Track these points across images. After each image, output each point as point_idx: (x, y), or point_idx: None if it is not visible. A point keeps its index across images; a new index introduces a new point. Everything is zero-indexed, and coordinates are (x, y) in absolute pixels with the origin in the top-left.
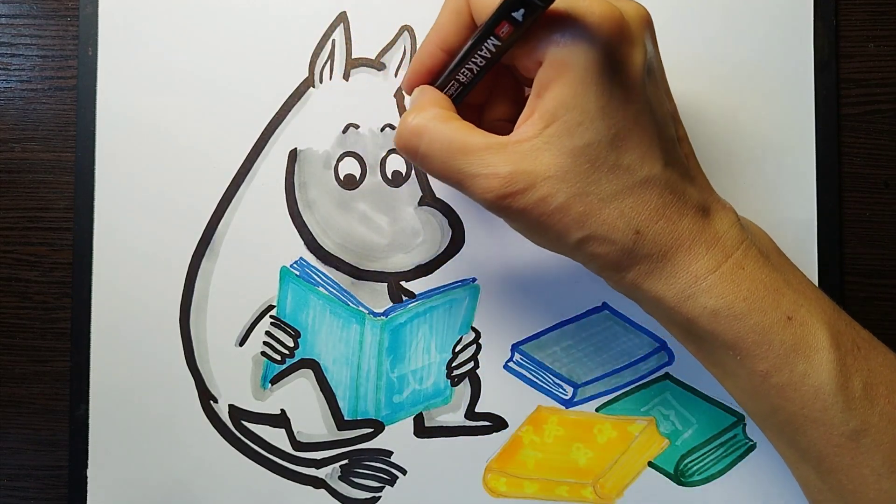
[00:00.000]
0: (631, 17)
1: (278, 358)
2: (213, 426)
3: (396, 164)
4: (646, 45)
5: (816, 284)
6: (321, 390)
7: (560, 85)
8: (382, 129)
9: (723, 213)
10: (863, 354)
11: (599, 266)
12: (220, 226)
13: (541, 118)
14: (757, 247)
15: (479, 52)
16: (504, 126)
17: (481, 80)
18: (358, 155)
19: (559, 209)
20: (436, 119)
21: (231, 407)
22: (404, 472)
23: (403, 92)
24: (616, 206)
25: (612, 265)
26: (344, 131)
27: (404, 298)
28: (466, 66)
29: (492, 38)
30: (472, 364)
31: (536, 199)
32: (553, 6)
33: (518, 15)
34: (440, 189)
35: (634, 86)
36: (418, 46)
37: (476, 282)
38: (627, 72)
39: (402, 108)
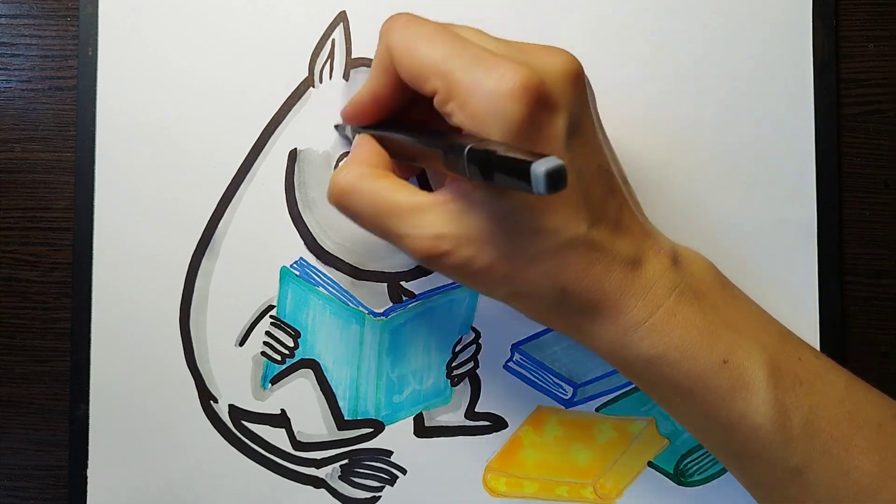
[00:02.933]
0: (552, 77)
1: (278, 358)
2: (213, 426)
3: None
4: (570, 110)
5: (816, 284)
6: (321, 390)
7: None
8: None
9: (655, 260)
10: (805, 389)
11: (530, 317)
12: (220, 226)
13: (464, 182)
14: (692, 289)
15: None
16: None
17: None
18: None
19: (484, 269)
20: (363, 179)
21: (231, 407)
22: (404, 471)
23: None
24: (541, 267)
25: (541, 317)
26: None
27: (404, 298)
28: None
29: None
30: (472, 364)
31: (462, 260)
32: (467, 75)
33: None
34: None
35: (554, 152)
36: None
37: None
38: (546, 139)
39: None
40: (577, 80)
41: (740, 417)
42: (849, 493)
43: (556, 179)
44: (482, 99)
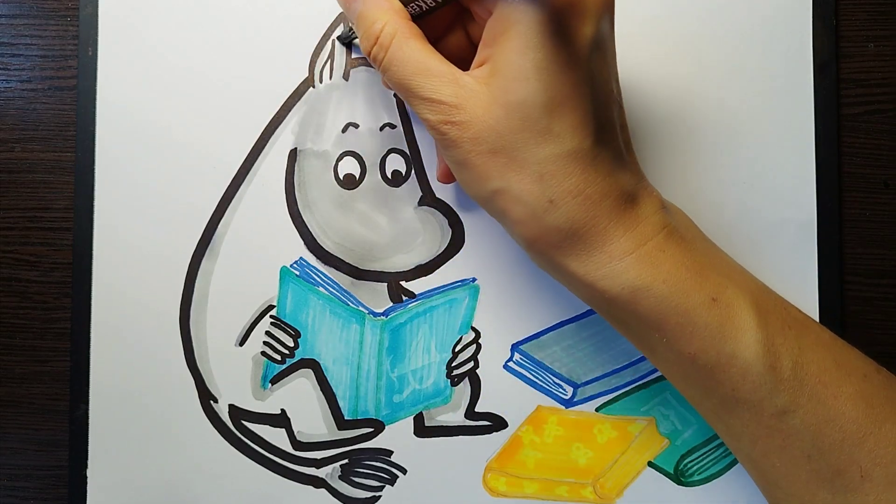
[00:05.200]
0: None
1: (278, 358)
2: (213, 426)
3: (396, 163)
4: (599, 23)
5: (817, 284)
6: (321, 390)
7: (504, 41)
8: (382, 129)
9: (648, 199)
10: (793, 333)
11: (508, 224)
12: (220, 226)
13: (487, 67)
14: (680, 232)
15: None
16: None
17: (433, 13)
18: (357, 154)
19: (485, 153)
20: (401, 35)
21: (231, 407)
22: (404, 471)
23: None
24: (536, 170)
25: (519, 226)
26: (343, 131)
27: (404, 298)
28: (416, 2)
29: None
30: (472, 364)
31: (469, 136)
32: None
33: None
34: (440, 189)
35: (578, 56)
36: None
37: (476, 282)
38: (572, 41)
39: (401, 109)
40: (611, 8)
41: (730, 357)
42: (834, 440)
43: None
44: None
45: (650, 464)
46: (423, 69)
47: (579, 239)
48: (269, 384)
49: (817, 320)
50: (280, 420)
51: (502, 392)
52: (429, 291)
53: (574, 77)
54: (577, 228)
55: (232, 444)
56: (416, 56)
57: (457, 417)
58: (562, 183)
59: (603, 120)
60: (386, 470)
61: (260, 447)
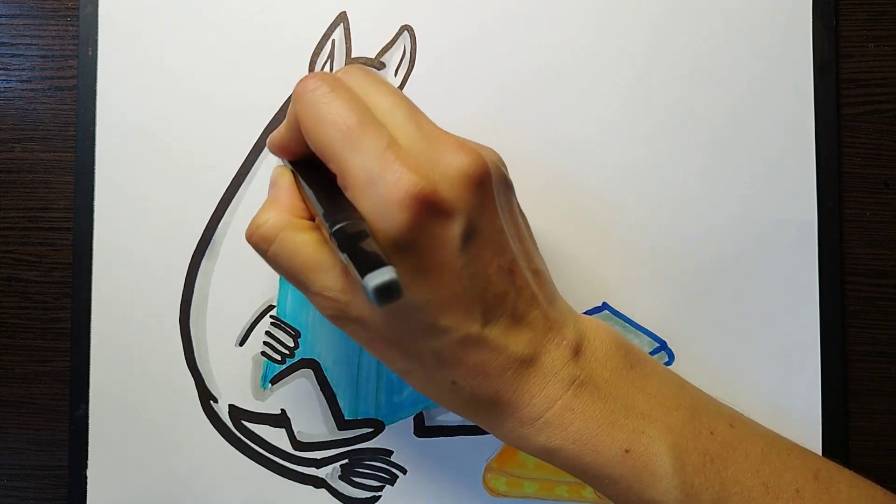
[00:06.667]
0: (450, 181)
1: (278, 358)
2: (213, 426)
3: None
4: (467, 210)
5: (817, 284)
6: (321, 390)
7: None
8: None
9: (556, 353)
10: (715, 466)
11: (426, 395)
12: (220, 226)
13: None
14: (593, 379)
15: None
16: None
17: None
18: None
19: (381, 343)
20: (287, 228)
21: (231, 407)
22: (404, 471)
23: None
24: (433, 357)
25: (436, 400)
26: None
27: None
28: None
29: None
30: None
31: (361, 334)
32: (363, 173)
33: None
34: None
35: (448, 257)
36: (418, 47)
37: None
38: (437, 245)
39: None
40: (478, 183)
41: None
42: None
43: (386, 294)
44: (374, 201)
45: None
46: (312, 264)
47: (489, 409)
48: (269, 384)
49: (817, 321)
50: (280, 420)
51: None
52: None
53: (449, 276)
54: (484, 402)
55: (232, 444)
56: (305, 249)
57: (457, 417)
58: (458, 368)
59: (489, 298)
60: (386, 470)
61: (260, 447)
